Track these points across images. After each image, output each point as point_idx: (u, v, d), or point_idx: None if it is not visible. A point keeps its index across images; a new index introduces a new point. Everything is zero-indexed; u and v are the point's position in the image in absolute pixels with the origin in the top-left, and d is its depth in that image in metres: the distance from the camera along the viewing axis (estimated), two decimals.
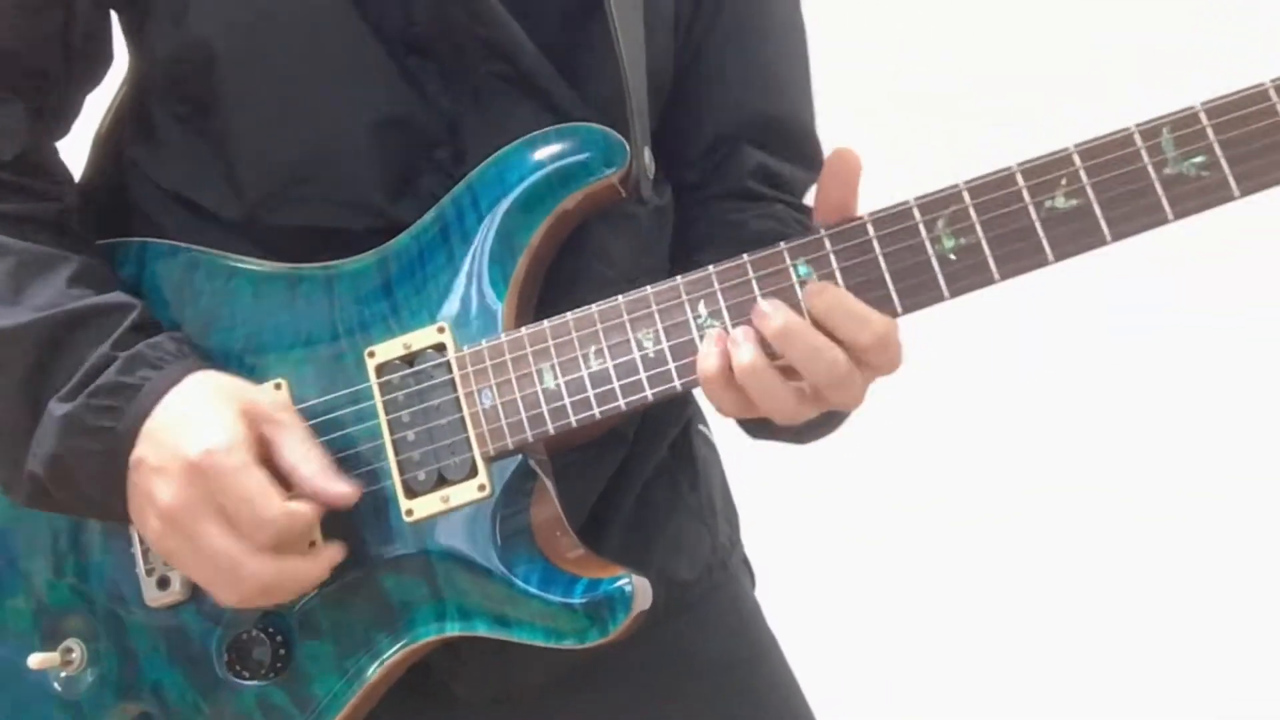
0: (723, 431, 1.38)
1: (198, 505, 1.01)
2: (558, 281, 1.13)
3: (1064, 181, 1.00)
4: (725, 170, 1.26)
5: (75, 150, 1.27)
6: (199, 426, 1.02)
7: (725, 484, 1.36)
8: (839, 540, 2.77)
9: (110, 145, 1.27)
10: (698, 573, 1.27)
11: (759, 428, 1.17)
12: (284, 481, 1.04)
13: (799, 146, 1.29)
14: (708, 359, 1.02)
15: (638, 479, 1.23)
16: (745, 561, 1.37)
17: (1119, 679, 2.63)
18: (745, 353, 1.01)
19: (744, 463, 1.45)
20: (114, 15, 1.20)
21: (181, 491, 1.01)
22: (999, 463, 2.76)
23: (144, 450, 1.03)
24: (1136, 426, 2.75)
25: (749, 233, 1.20)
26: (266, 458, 1.04)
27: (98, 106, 1.29)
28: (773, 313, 1.01)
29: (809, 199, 1.29)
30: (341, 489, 1.04)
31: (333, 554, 1.06)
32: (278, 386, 1.10)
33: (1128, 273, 2.50)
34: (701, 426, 1.35)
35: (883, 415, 1.38)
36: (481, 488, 1.07)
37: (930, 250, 1.02)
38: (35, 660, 1.13)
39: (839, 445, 1.29)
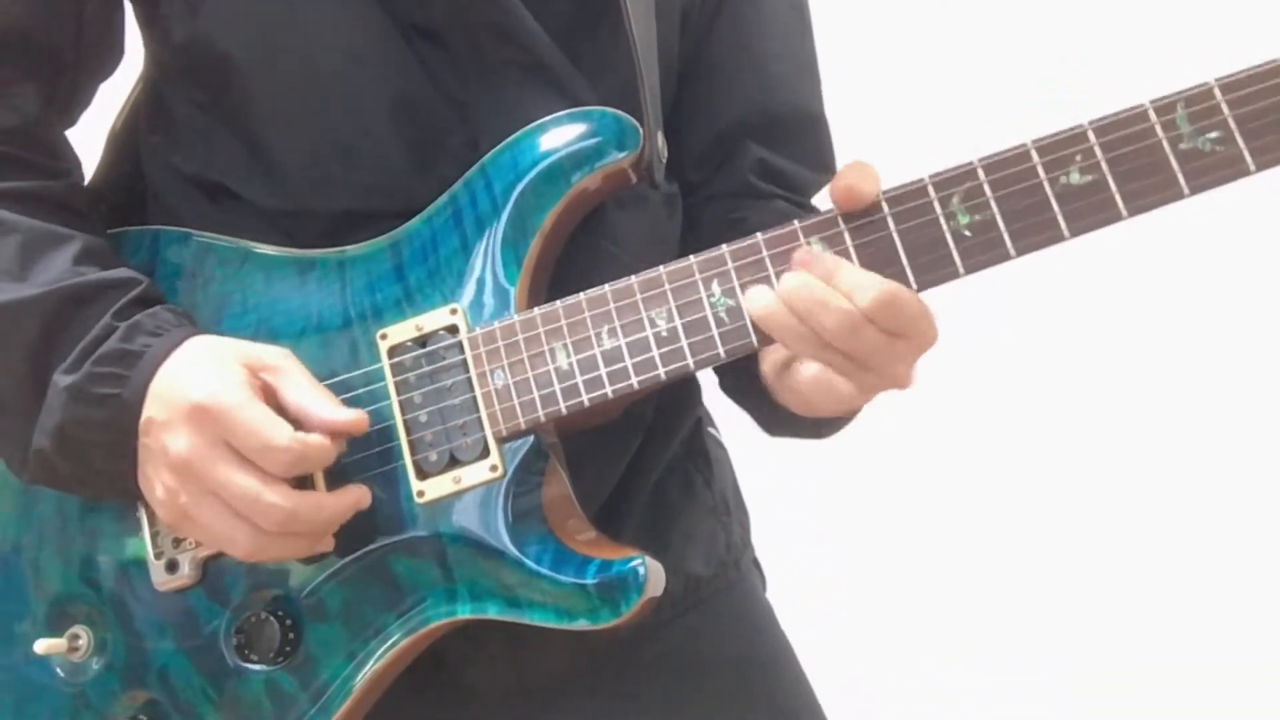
0: (732, 436, 1.38)
1: (209, 448, 1.01)
2: (569, 261, 1.13)
3: (1078, 157, 1.00)
4: (727, 168, 1.26)
5: (88, 149, 1.28)
6: (201, 376, 1.02)
7: (736, 485, 1.36)
8: (847, 545, 2.74)
9: (125, 140, 1.27)
10: (713, 569, 1.26)
11: (778, 421, 1.17)
12: (293, 424, 1.03)
13: (802, 142, 1.28)
14: (757, 296, 1.01)
15: (652, 472, 1.23)
16: (756, 563, 1.36)
17: (1133, 684, 2.59)
18: (788, 279, 1.00)
19: (753, 468, 1.44)
20: (128, 7, 1.20)
21: (192, 437, 1.01)
22: (1009, 467, 2.72)
23: (151, 410, 1.03)
24: (1138, 428, 2.71)
25: (751, 227, 1.19)
26: (272, 403, 1.03)
27: (111, 104, 1.30)
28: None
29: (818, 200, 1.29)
30: (351, 414, 1.04)
31: (357, 494, 1.05)
32: None
33: (1127, 275, 2.49)
34: (712, 429, 1.35)
35: (889, 420, 1.37)
36: (494, 468, 1.06)
37: (945, 226, 1.01)
38: (41, 646, 1.12)
39: (846, 450, 1.29)
